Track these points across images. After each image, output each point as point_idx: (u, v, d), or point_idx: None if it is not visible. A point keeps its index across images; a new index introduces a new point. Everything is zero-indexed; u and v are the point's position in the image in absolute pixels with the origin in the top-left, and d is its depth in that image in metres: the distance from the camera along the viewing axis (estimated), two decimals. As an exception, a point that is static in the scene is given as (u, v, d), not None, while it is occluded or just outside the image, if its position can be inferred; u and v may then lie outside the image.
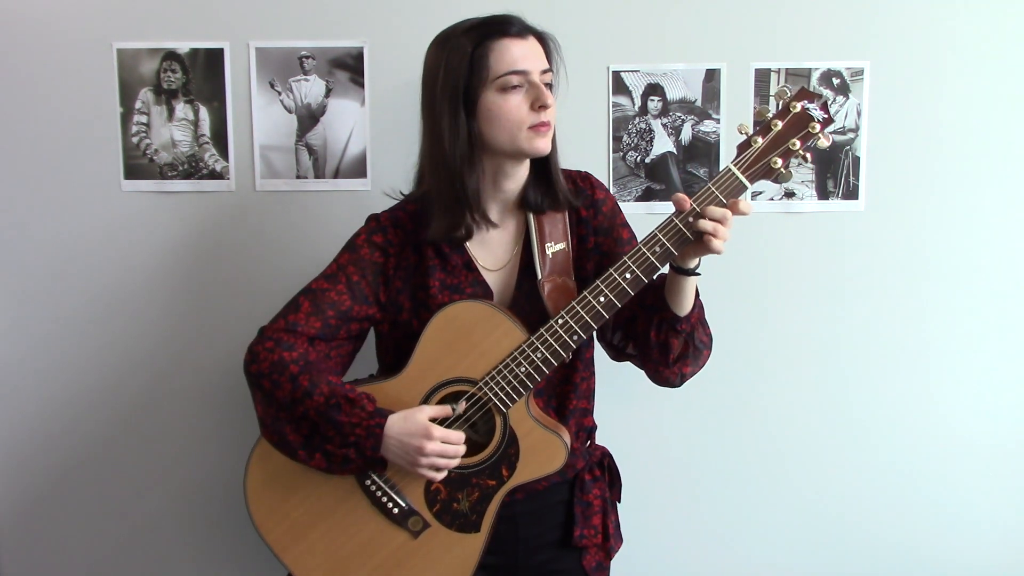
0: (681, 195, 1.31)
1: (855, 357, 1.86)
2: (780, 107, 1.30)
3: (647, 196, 1.82)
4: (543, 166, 1.45)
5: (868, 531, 1.90)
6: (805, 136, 1.28)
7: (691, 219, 1.30)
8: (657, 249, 1.32)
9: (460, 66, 1.34)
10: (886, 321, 1.86)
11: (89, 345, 1.84)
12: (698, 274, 1.35)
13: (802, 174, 1.82)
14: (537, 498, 1.47)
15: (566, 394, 1.48)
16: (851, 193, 1.83)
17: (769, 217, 1.83)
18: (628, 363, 1.55)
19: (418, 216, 1.45)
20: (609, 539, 1.51)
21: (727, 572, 1.92)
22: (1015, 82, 1.81)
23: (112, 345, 1.84)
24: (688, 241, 1.31)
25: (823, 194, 1.83)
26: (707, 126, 1.81)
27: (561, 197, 1.45)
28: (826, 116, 1.28)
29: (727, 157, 1.81)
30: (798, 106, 1.28)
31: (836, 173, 1.83)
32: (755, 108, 1.29)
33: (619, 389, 1.77)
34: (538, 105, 1.35)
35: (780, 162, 1.28)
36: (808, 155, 1.30)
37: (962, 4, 1.79)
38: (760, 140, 1.29)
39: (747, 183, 1.29)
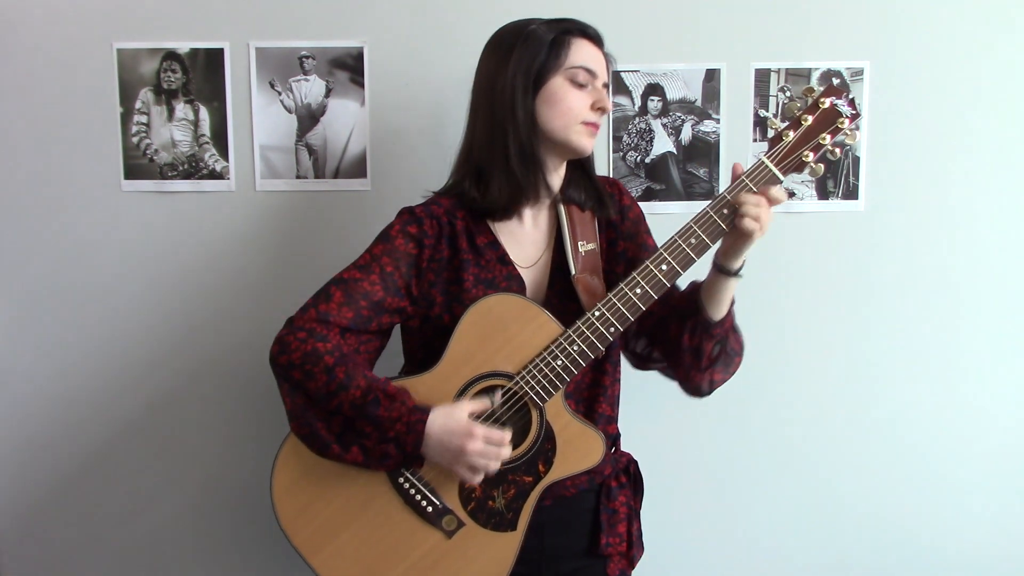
0: (737, 163, 1.36)
1: (855, 357, 1.86)
2: (809, 103, 1.33)
3: (647, 196, 1.82)
4: (582, 169, 1.50)
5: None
6: (834, 131, 1.32)
7: (725, 210, 1.32)
8: (693, 241, 1.33)
9: (538, 49, 1.38)
10: (886, 321, 1.86)
11: (89, 345, 1.84)
12: (740, 276, 1.37)
13: (802, 174, 1.82)
14: (565, 505, 1.45)
15: (595, 398, 1.46)
16: (851, 193, 1.83)
17: (769, 217, 1.84)
18: (647, 374, 1.54)
19: (453, 210, 1.45)
20: (632, 547, 1.50)
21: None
22: (1015, 82, 1.81)
23: (112, 345, 1.84)
24: (723, 232, 1.33)
25: (823, 194, 1.83)
26: (707, 126, 1.81)
27: (603, 199, 1.49)
28: (854, 112, 1.32)
29: (727, 157, 1.81)
30: (827, 102, 1.32)
31: (836, 173, 1.83)
32: (783, 102, 1.34)
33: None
34: (598, 107, 1.41)
35: (811, 156, 1.32)
36: (838, 149, 1.33)
37: (962, 4, 1.79)
38: (791, 134, 1.32)
39: (780, 175, 1.32)
